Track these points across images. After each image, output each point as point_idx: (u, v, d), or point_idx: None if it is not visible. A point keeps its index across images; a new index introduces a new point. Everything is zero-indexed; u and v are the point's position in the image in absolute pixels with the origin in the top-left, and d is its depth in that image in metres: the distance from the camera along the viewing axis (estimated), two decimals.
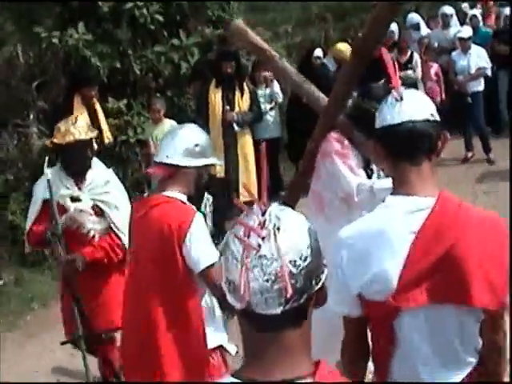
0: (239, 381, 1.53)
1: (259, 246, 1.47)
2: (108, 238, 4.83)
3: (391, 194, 2.50)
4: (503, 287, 2.38)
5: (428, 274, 2.35)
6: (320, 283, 1.54)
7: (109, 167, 8.12)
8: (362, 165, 4.25)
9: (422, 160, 2.45)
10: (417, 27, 12.25)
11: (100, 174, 5.02)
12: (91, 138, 4.91)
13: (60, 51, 8.99)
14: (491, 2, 12.88)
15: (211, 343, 3.71)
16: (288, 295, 1.46)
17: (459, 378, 2.46)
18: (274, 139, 9.66)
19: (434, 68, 11.16)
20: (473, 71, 10.62)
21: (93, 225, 4.80)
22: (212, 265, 3.52)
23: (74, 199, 4.83)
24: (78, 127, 4.76)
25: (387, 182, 3.98)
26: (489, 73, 10.72)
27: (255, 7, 13.68)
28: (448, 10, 12.19)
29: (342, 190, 4.15)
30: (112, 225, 4.84)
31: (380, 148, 2.54)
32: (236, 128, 8.15)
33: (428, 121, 2.46)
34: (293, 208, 1.68)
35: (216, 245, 3.64)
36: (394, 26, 10.98)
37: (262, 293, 1.47)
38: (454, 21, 12.13)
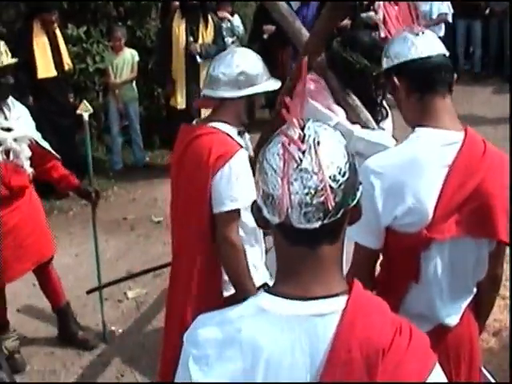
0: (281, 298, 1.51)
1: (300, 159, 1.45)
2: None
3: (419, 125, 2.46)
4: None
5: (460, 206, 2.36)
6: (356, 200, 1.53)
7: (67, 95, 8.07)
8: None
9: (446, 93, 2.46)
10: None
11: (19, 105, 4.63)
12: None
13: None
14: None
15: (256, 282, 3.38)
16: (330, 207, 1.45)
17: (463, 307, 2.54)
18: None
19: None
20: (435, 16, 10.67)
21: (25, 153, 4.51)
22: (236, 211, 3.23)
23: (6, 129, 4.42)
24: (2, 51, 4.32)
25: (370, 135, 3.81)
26: (450, 19, 10.79)
27: None
28: None
29: None
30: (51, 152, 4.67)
31: (403, 83, 2.51)
32: (199, 60, 8.05)
33: (445, 55, 2.49)
34: None
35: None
36: None
37: (301, 206, 1.45)
38: None
